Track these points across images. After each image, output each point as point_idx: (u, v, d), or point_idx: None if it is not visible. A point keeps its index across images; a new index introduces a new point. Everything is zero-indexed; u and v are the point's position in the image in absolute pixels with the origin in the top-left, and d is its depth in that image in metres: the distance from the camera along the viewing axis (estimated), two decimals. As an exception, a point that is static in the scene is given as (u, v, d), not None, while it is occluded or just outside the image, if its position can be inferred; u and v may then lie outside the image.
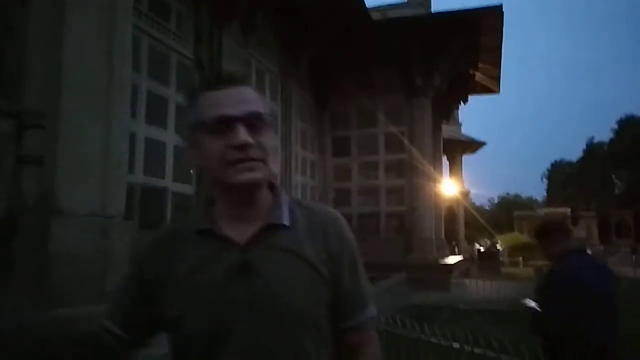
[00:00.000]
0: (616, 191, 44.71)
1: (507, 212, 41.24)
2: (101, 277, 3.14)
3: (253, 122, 0.91)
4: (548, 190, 51.84)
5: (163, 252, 0.97)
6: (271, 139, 0.95)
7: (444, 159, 17.32)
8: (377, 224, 11.06)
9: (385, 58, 10.52)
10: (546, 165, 53.95)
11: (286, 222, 0.96)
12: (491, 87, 13.58)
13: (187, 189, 6.22)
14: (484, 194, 60.71)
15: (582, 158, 48.30)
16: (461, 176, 21.56)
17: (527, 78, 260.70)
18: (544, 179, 52.98)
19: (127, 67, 3.73)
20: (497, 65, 11.92)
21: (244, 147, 0.89)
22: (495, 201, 52.02)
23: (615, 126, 46.16)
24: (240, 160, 0.89)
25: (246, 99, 0.94)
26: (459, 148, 21.00)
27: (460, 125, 21.89)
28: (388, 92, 11.16)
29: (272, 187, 1.01)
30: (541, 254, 2.92)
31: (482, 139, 22.27)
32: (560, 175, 49.86)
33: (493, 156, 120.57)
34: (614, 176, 45.43)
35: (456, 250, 16.19)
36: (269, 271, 0.90)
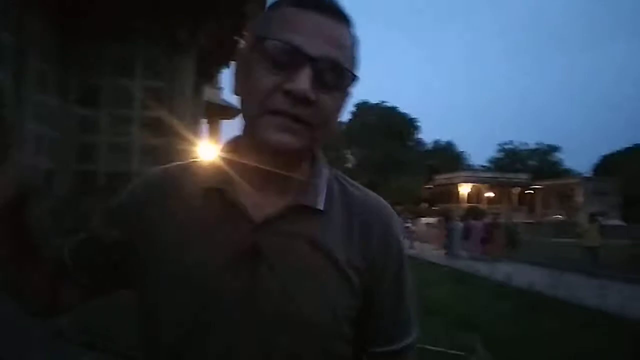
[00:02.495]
0: (349, 165, 51.91)
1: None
2: None
3: (327, 73, 0.66)
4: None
5: (157, 203, 0.73)
6: (337, 103, 0.70)
7: (205, 122, 17.18)
8: (128, 185, 10.36)
9: (148, 4, 9.73)
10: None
11: (321, 206, 0.73)
12: (254, 56, 13.93)
13: None
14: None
15: (325, 134, 54.55)
16: (220, 140, 21.80)
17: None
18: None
19: None
20: (261, 35, 12.27)
21: (299, 99, 0.64)
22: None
23: (354, 108, 53.40)
24: (284, 114, 0.65)
25: (337, 39, 0.67)
26: (219, 112, 21.14)
27: (221, 89, 22.00)
28: (149, 43, 10.36)
29: (313, 156, 0.77)
30: None
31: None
32: (306, 148, 55.25)
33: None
34: (349, 152, 52.61)
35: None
36: (284, 265, 0.69)
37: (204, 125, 18.63)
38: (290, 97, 0.65)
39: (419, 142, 57.26)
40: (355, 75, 0.71)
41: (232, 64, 9.49)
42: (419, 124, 56.67)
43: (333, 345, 0.71)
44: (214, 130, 21.54)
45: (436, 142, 59.73)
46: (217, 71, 15.89)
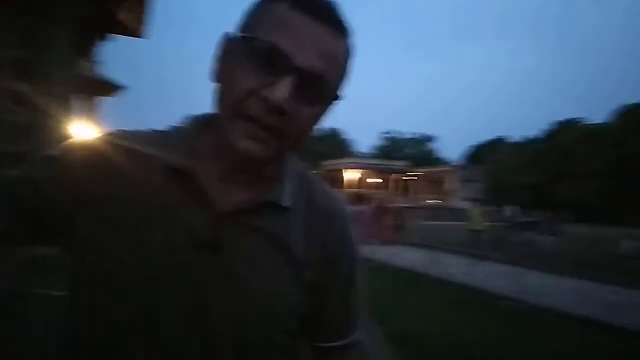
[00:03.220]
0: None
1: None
2: None
3: (310, 86, 0.61)
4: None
5: (104, 177, 0.65)
6: (313, 117, 0.66)
7: (82, 98, 15.80)
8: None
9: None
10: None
11: (286, 203, 0.70)
12: (136, 31, 13.05)
13: None
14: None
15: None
16: (98, 118, 20.28)
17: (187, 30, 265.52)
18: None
19: None
20: (144, 9, 11.49)
21: (274, 109, 0.60)
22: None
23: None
24: (255, 120, 0.61)
25: (330, 53, 0.63)
26: (96, 88, 19.62)
27: (99, 63, 20.38)
28: (11, 7, 9.18)
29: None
30: None
31: (129, 83, 21.31)
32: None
33: (140, 102, 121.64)
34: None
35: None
36: (242, 258, 0.66)
37: (78, 101, 17.07)
38: (265, 104, 0.61)
39: (307, 128, 58.24)
40: (338, 95, 0.68)
41: (111, 36, 8.55)
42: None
43: (279, 339, 0.71)
44: (89, 108, 19.88)
45: (323, 129, 61.20)
46: (94, 43, 14.62)
